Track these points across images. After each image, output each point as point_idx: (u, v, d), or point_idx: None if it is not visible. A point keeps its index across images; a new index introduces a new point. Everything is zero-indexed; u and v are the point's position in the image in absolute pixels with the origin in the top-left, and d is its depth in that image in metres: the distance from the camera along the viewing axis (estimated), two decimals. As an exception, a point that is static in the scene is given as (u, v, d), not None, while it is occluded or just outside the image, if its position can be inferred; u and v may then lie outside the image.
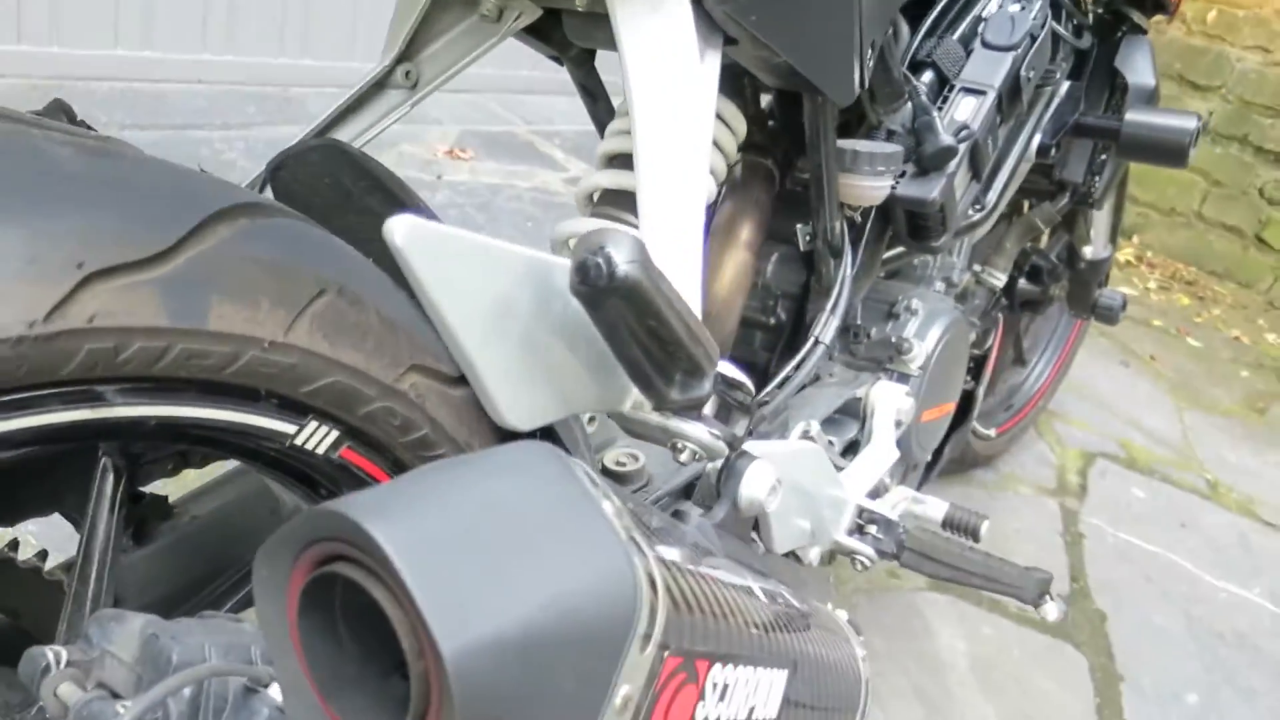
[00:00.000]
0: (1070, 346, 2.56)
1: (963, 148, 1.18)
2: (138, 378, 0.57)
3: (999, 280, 1.72)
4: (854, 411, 1.21)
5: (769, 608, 0.68)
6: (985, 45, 1.27)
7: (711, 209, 1.20)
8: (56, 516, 0.83)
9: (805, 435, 0.97)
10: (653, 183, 0.78)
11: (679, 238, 0.79)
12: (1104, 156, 1.61)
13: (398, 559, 0.41)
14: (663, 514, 0.62)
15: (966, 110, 1.21)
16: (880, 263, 1.28)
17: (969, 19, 1.30)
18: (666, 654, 0.51)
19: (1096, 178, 1.63)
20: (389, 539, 0.41)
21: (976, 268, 1.69)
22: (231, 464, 1.05)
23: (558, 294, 0.61)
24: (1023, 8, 1.29)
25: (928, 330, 1.29)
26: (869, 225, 1.19)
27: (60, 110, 0.87)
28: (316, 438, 0.68)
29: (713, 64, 0.81)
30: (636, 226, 0.77)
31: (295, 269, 0.64)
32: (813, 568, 1.00)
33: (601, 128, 1.14)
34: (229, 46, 3.65)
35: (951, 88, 1.25)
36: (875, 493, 1.12)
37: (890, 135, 1.19)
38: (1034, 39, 1.30)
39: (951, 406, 1.43)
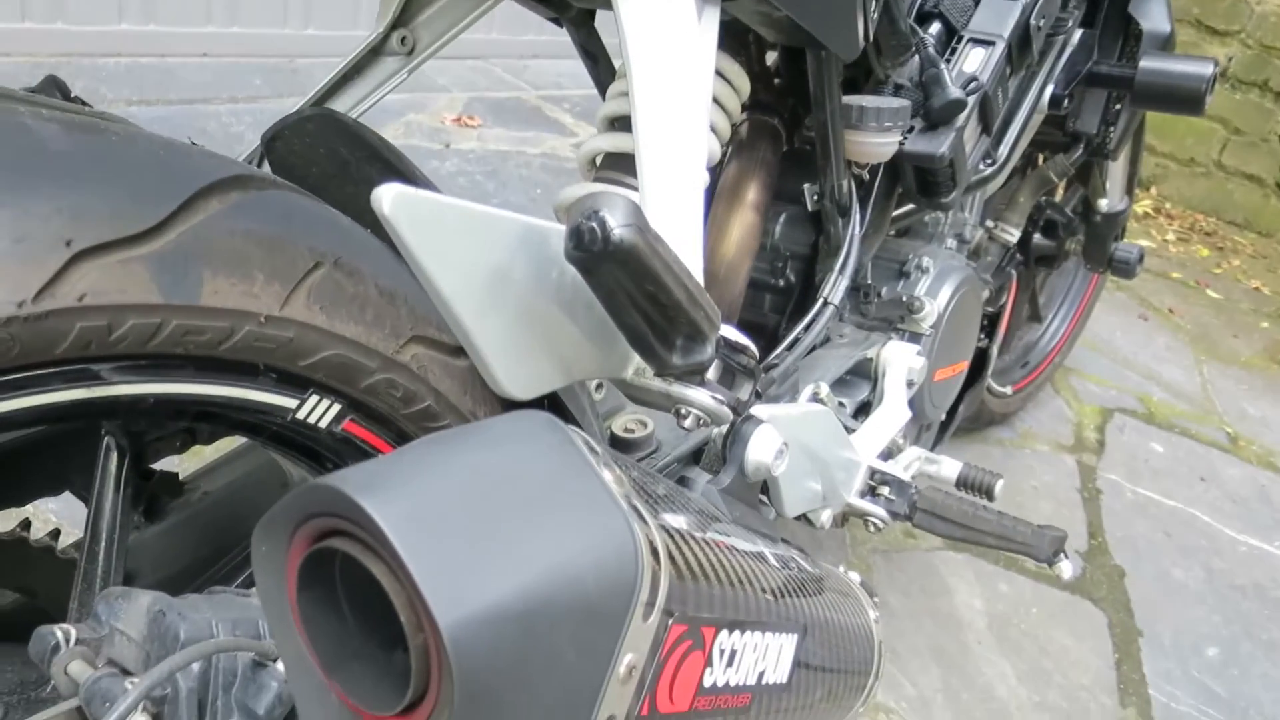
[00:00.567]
0: (1087, 302, 2.53)
1: (972, 100, 1.16)
2: (133, 355, 0.56)
3: (1012, 236, 1.69)
4: (865, 372, 1.19)
5: (779, 572, 0.67)
6: (993, -7, 1.24)
7: (717, 170, 1.18)
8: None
9: (815, 397, 0.96)
10: (651, 144, 0.77)
11: (679, 199, 0.77)
12: (1118, 106, 1.58)
13: (393, 534, 0.41)
14: (668, 481, 0.61)
15: (975, 61, 1.19)
16: (889, 221, 1.26)
17: (977, -33, 1.27)
18: (671, 621, 0.51)
19: (1111, 128, 1.59)
20: (383, 514, 0.41)
21: (989, 223, 1.66)
22: (241, 440, 1.05)
23: (554, 261, 0.60)
24: (1032, -46, 1.26)
25: (939, 288, 1.28)
26: (877, 183, 1.17)
27: (54, 86, 0.86)
28: (318, 411, 0.68)
29: (711, 20, 0.80)
30: (637, 189, 0.76)
31: (289, 241, 0.63)
32: (826, 530, 0.99)
33: (603, 90, 1.12)
34: (233, 19, 3.63)
35: (959, 39, 1.23)
36: (888, 453, 1.11)
37: (897, 90, 1.17)
38: (1044, -14, 1.27)
39: (965, 365, 1.41)
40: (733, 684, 0.59)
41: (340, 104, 0.96)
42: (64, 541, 0.84)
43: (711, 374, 0.72)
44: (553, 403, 0.74)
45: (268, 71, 3.62)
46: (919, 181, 1.18)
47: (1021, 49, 1.26)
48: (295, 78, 3.61)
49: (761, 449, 0.69)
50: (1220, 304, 3.62)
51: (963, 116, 1.15)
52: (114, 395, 0.57)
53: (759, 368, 0.75)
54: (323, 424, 0.69)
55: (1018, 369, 2.34)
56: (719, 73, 0.99)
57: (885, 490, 1.01)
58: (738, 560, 0.61)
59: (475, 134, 3.54)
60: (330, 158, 0.80)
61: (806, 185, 1.18)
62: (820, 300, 1.09)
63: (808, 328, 1.07)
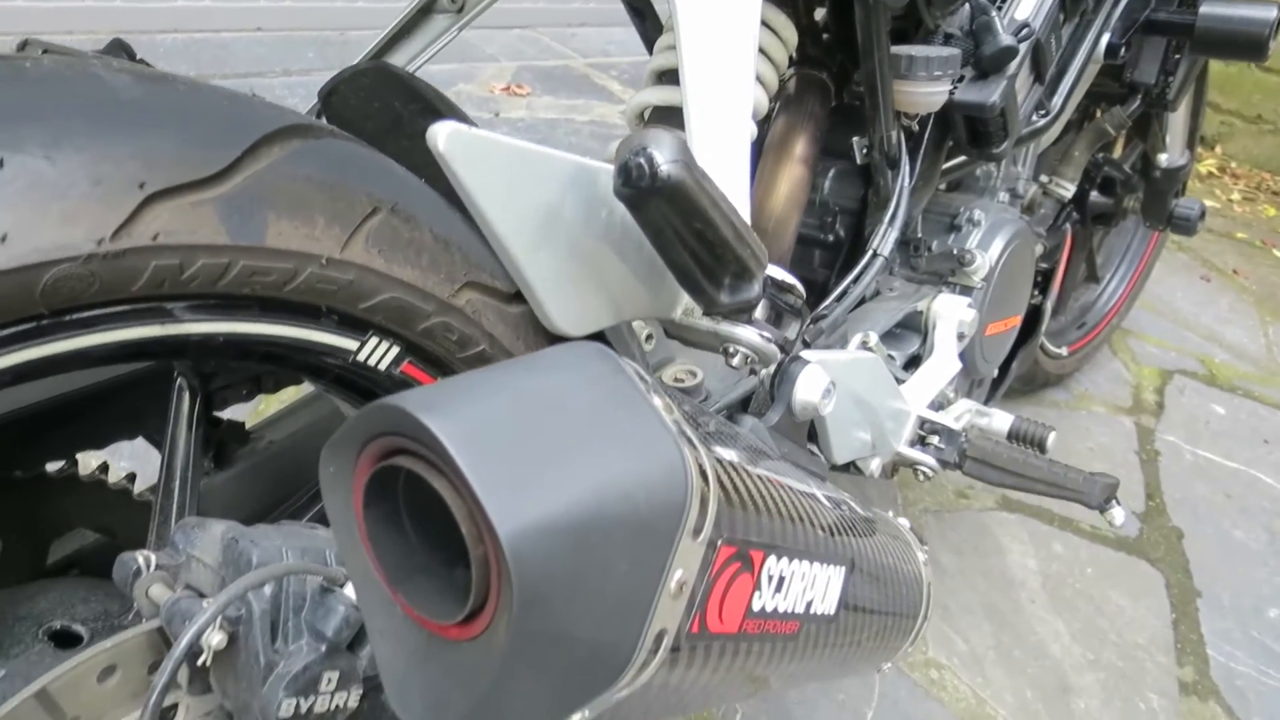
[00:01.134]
0: (1146, 261, 2.48)
1: (1024, 48, 1.14)
2: (203, 295, 0.59)
3: (1067, 191, 1.67)
4: (915, 325, 1.19)
5: (828, 509, 0.68)
6: (1047, -63, 1.22)
7: (765, 124, 1.18)
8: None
9: (864, 346, 0.97)
10: (699, 96, 0.77)
11: (727, 149, 0.78)
12: (1178, 55, 1.54)
13: (454, 449, 0.42)
14: (719, 417, 0.62)
15: (1027, 8, 1.17)
16: (940, 174, 1.25)
17: (1030, -89, 1.24)
18: (720, 542, 0.52)
19: (1170, 78, 1.56)
20: (445, 430, 0.43)
21: (1043, 178, 1.64)
22: (305, 392, 1.09)
23: (604, 200, 0.62)
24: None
25: (991, 241, 1.27)
26: (927, 134, 1.17)
27: (120, 49, 0.89)
28: (378, 354, 0.70)
29: (758, -31, 0.80)
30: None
31: (348, 187, 0.65)
32: (878, 484, 1.00)
33: (651, 46, 1.12)
34: (286, -7, 3.68)
35: (1011, -15, 1.21)
36: (938, 405, 1.11)
37: (947, 39, 1.16)
38: (1100, -71, 1.24)
39: (1017, 320, 1.40)
40: (781, 610, 0.60)
41: (393, 62, 0.98)
42: (140, 486, 0.88)
43: (759, 313, 0.73)
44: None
45: (320, 44, 3.67)
46: (970, 132, 1.17)
47: (1076, -5, 1.23)
48: (347, 49, 3.66)
49: (809, 388, 0.70)
50: (1287, 264, 3.51)
51: (1014, 65, 1.13)
52: (186, 333, 0.60)
53: (806, 307, 0.76)
54: (382, 366, 0.71)
55: (1074, 330, 2.30)
56: (765, 24, 0.99)
57: (935, 439, 1.01)
58: (787, 493, 0.62)
59: (524, 103, 3.56)
60: (385, 111, 0.82)
61: (855, 139, 1.17)
62: (869, 252, 1.09)
63: (856, 279, 1.07)
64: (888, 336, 1.14)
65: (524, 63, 3.93)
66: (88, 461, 0.85)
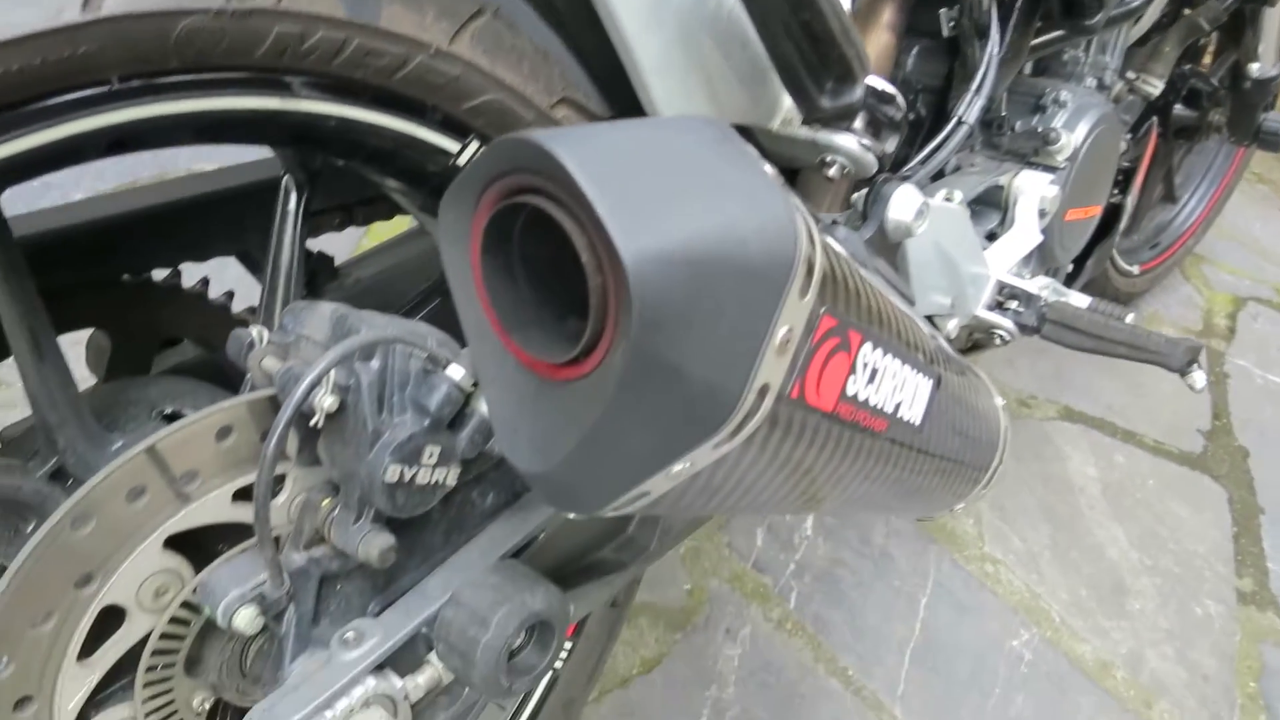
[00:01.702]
0: (1226, 184, 2.41)
1: (1126, -88, 1.11)
2: (319, 73, 0.61)
3: (1154, 88, 1.62)
4: (995, 201, 1.18)
5: (919, 325, 0.69)
6: None
7: (853, -9, 1.16)
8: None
9: (948, 200, 0.96)
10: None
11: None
12: (1283, -58, 1.48)
13: (580, 176, 0.44)
14: (820, 218, 0.63)
15: None
16: (1029, 49, 1.22)
17: None
18: (824, 310, 0.53)
19: (1273, -33, 1.50)
20: (572, 158, 0.44)
21: (1131, 74, 1.60)
22: (391, 235, 1.11)
23: (714, -11, 0.62)
24: None
25: (1077, 122, 1.24)
26: (1019, 2, 1.14)
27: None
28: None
29: None
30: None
31: (455, -16, 0.66)
32: (951, 340, 1.00)
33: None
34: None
35: None
36: (1017, 276, 1.10)
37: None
38: None
39: (1098, 210, 1.37)
40: (872, 403, 0.61)
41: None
42: (238, 306, 0.91)
43: (858, 124, 0.72)
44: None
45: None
46: (1063, 2, 1.14)
47: None
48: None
49: (903, 207, 0.70)
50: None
51: (1115, -71, 1.10)
52: (301, 110, 0.61)
53: (905, 120, 0.76)
54: (481, 172, 0.72)
55: (1146, 249, 2.26)
56: None
57: (1013, 304, 1.01)
58: (883, 297, 0.63)
59: None
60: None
61: (943, 10, 1.15)
62: (954, 119, 1.08)
63: (939, 146, 1.06)
64: (967, 209, 1.13)
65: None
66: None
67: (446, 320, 0.74)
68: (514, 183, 0.48)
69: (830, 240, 0.57)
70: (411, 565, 0.69)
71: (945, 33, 1.16)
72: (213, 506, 0.62)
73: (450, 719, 0.68)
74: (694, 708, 1.28)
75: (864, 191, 0.73)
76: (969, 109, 1.09)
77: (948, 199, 0.96)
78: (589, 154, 0.45)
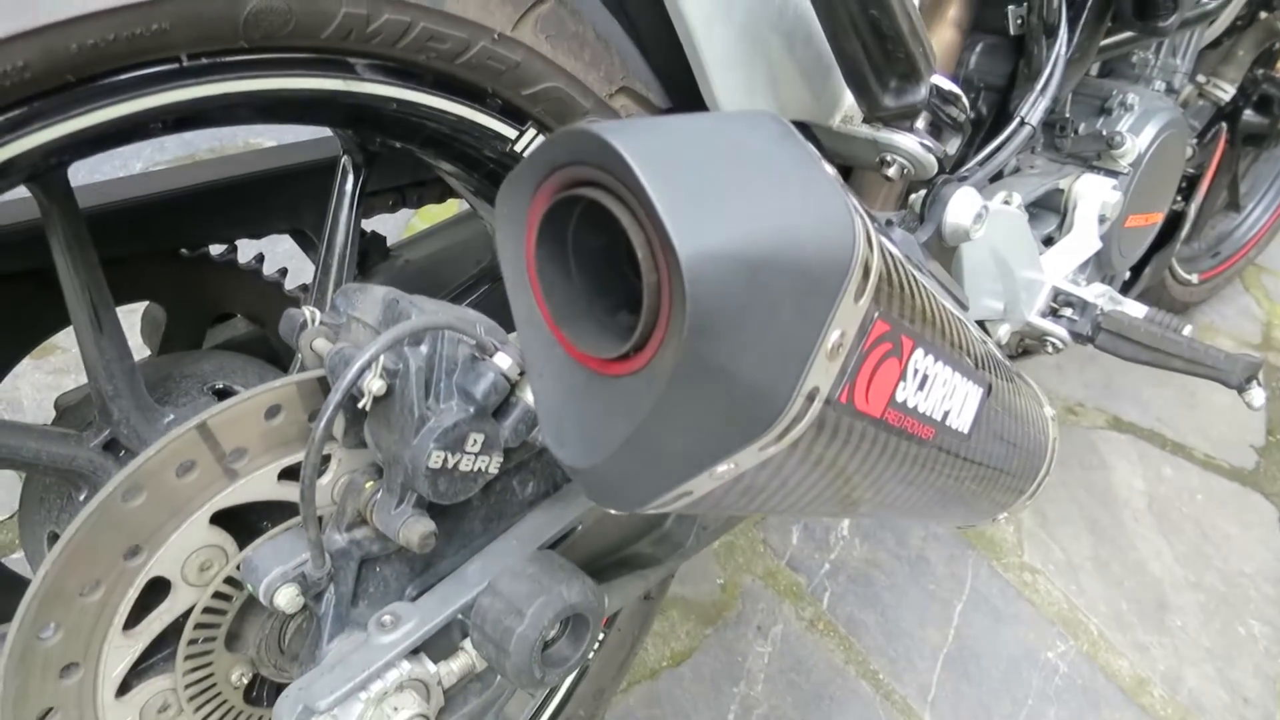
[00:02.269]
0: (1293, 195, 2.34)
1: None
2: (383, 55, 0.61)
3: (1225, 93, 1.58)
4: (1054, 204, 1.16)
5: (972, 332, 0.68)
6: None
7: (918, -14, 1.14)
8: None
9: (1006, 203, 0.94)
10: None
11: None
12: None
13: (639, 168, 0.43)
14: (877, 220, 0.62)
15: None
16: (1097, 49, 1.20)
17: None
18: (877, 315, 0.52)
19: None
20: (631, 151, 0.43)
21: (1201, 78, 1.56)
22: (442, 218, 1.12)
23: (780, -17, 0.61)
24: None
25: (1143, 126, 1.21)
26: (1090, 1, 1.11)
27: None
28: (534, 146, 0.72)
29: None
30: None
31: (520, -31, 0.66)
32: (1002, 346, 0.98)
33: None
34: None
35: None
36: (1073, 283, 1.08)
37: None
38: None
39: (1159, 218, 1.34)
40: (921, 410, 0.60)
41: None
42: (290, 284, 0.92)
43: (919, 125, 0.71)
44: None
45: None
46: (1136, 2, 1.11)
47: None
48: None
49: (961, 210, 0.68)
50: None
51: (1193, -70, 1.07)
52: (364, 92, 0.62)
53: (968, 122, 0.74)
54: (536, 160, 0.72)
55: (1207, 258, 2.20)
56: None
57: (1068, 311, 0.99)
58: (937, 302, 0.62)
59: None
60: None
61: (1011, 7, 1.13)
62: (1017, 120, 1.05)
63: (1000, 146, 1.04)
64: (1025, 212, 1.11)
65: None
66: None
67: (495, 307, 0.75)
68: (573, 174, 0.47)
69: (886, 243, 0.57)
70: (450, 551, 0.69)
71: (1012, 30, 1.13)
72: (259, 484, 0.63)
73: (482, 705, 0.68)
74: (722, 704, 1.28)
75: (922, 193, 0.72)
76: (1032, 110, 1.07)
77: (1006, 202, 0.94)
78: (650, 148, 0.44)
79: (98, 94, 0.51)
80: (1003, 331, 0.98)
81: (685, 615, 1.38)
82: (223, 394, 0.75)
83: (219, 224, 0.84)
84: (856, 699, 1.32)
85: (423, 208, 1.01)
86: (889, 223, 0.71)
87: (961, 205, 0.69)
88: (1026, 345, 1.11)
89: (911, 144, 0.70)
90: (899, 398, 0.58)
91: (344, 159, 0.73)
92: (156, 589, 0.61)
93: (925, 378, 0.60)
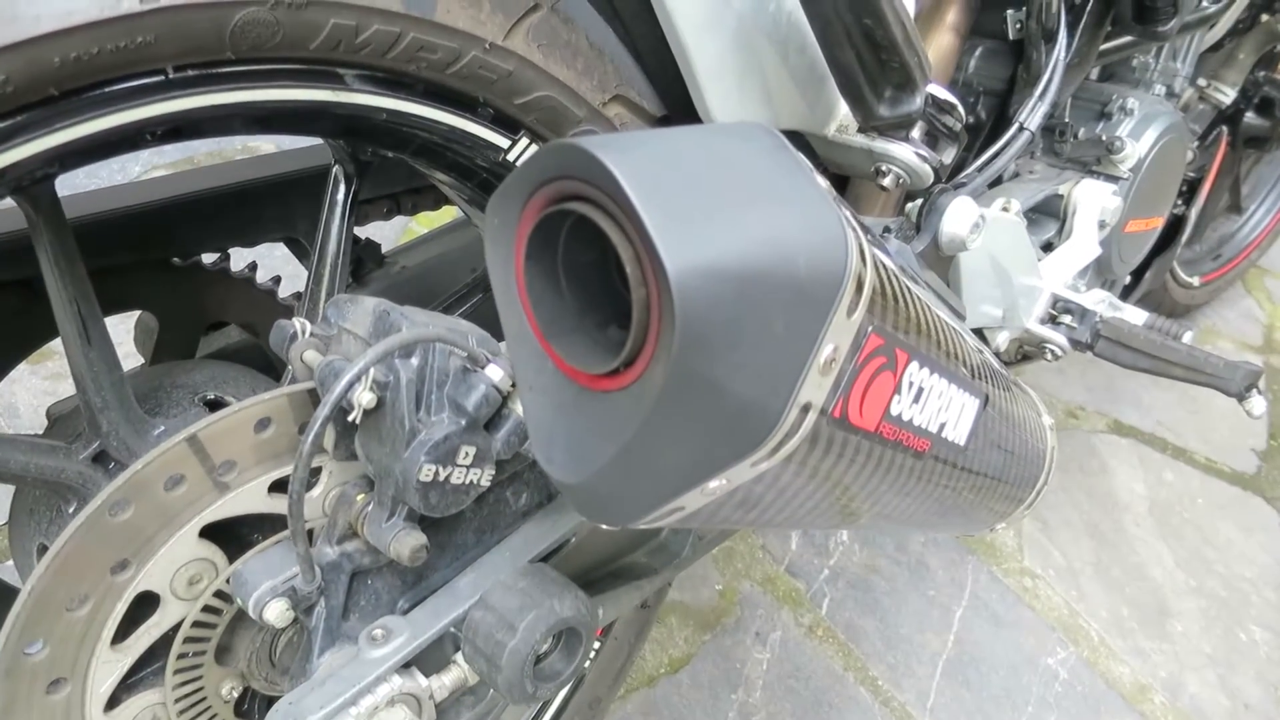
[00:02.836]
0: (1295, 197, 2.33)
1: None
2: (372, 65, 0.60)
3: (1226, 96, 1.57)
4: (1054, 210, 1.15)
5: (969, 343, 0.67)
6: None
7: (917, -10, 1.14)
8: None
9: (1004, 210, 0.93)
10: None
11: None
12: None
13: (628, 184, 0.43)
14: (872, 232, 0.61)
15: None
16: (1097, 54, 1.19)
17: None
18: (870, 329, 0.52)
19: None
20: (619, 166, 0.43)
21: (1202, 82, 1.55)
22: (436, 225, 1.11)
23: (773, -6, 0.60)
24: None
25: (1143, 131, 1.21)
26: (1090, 5, 1.10)
27: None
28: (527, 155, 0.71)
29: None
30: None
31: (512, -22, 0.65)
32: (1001, 355, 0.98)
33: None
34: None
35: None
36: (1072, 290, 1.07)
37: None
38: None
39: (1159, 222, 1.34)
40: (916, 423, 0.60)
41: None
42: (284, 291, 0.92)
43: (915, 134, 0.71)
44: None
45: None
46: (1135, 6, 1.10)
47: None
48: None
49: (958, 220, 0.68)
50: None
51: (1194, -66, 1.06)
52: (353, 103, 0.61)
53: (964, 131, 0.74)
54: (530, 169, 0.72)
55: (1208, 260, 2.20)
56: None
57: (1067, 318, 0.98)
58: (931, 314, 0.61)
59: None
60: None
61: (1010, 12, 1.12)
62: (1015, 125, 1.05)
63: (999, 152, 1.03)
64: (1024, 218, 1.11)
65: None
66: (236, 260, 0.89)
67: (491, 314, 0.74)
68: (562, 189, 0.47)
69: (880, 254, 0.56)
70: (443, 563, 0.69)
71: (1011, 35, 1.13)
72: (249, 497, 0.62)
73: (475, 718, 0.68)
74: (720, 711, 1.27)
75: (918, 202, 0.71)
76: (1031, 115, 1.07)
77: (1004, 208, 0.94)
78: (639, 163, 0.44)
79: (82, 107, 0.50)
80: (1001, 339, 0.98)
81: (683, 621, 1.38)
82: (214, 405, 0.74)
83: (211, 233, 0.83)
84: (855, 706, 1.31)
85: (420, 213, 1.00)
86: (886, 230, 0.70)
87: (958, 215, 0.68)
88: (1026, 352, 1.11)
89: (907, 154, 0.70)
90: (894, 411, 0.57)
91: (335, 168, 0.73)
92: (145, 603, 0.61)
93: (920, 390, 0.59)
